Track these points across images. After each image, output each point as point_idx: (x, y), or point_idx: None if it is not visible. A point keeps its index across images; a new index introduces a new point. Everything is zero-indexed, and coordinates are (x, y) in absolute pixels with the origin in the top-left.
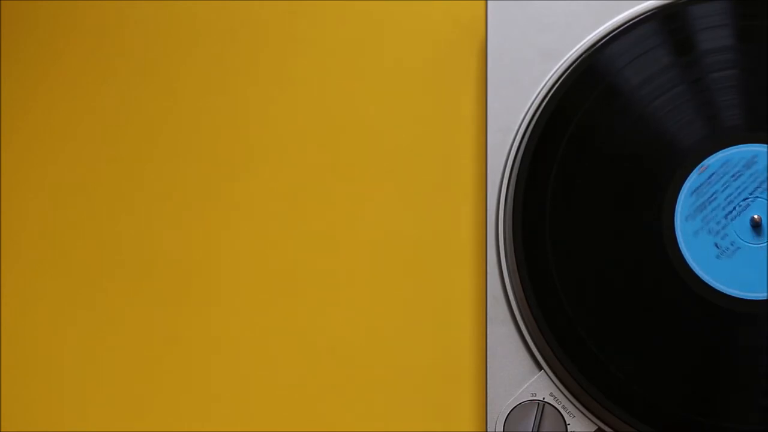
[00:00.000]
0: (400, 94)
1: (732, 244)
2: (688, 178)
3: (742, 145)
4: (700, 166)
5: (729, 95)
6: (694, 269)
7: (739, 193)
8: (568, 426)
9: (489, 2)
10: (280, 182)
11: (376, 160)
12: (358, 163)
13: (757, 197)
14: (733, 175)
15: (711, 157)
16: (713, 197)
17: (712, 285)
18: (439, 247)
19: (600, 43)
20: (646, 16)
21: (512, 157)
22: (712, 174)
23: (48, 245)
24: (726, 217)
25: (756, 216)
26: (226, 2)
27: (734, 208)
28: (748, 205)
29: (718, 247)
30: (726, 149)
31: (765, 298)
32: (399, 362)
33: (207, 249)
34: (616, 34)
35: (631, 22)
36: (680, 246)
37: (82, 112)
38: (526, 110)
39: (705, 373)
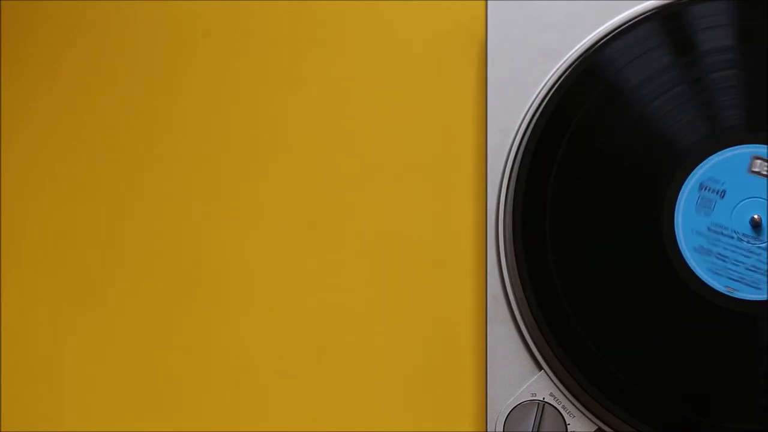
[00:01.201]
0: (400, 94)
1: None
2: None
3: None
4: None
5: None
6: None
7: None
8: (568, 426)
9: (489, 2)
10: (280, 181)
11: (376, 160)
12: (358, 163)
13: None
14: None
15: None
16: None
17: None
18: (439, 246)
19: (600, 43)
20: (646, 16)
21: (512, 157)
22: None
23: (49, 245)
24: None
25: (756, 216)
26: (226, 2)
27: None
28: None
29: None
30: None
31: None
32: (399, 362)
33: (209, 249)
34: (616, 34)
35: (631, 22)
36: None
37: (83, 113)
38: (526, 110)
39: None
